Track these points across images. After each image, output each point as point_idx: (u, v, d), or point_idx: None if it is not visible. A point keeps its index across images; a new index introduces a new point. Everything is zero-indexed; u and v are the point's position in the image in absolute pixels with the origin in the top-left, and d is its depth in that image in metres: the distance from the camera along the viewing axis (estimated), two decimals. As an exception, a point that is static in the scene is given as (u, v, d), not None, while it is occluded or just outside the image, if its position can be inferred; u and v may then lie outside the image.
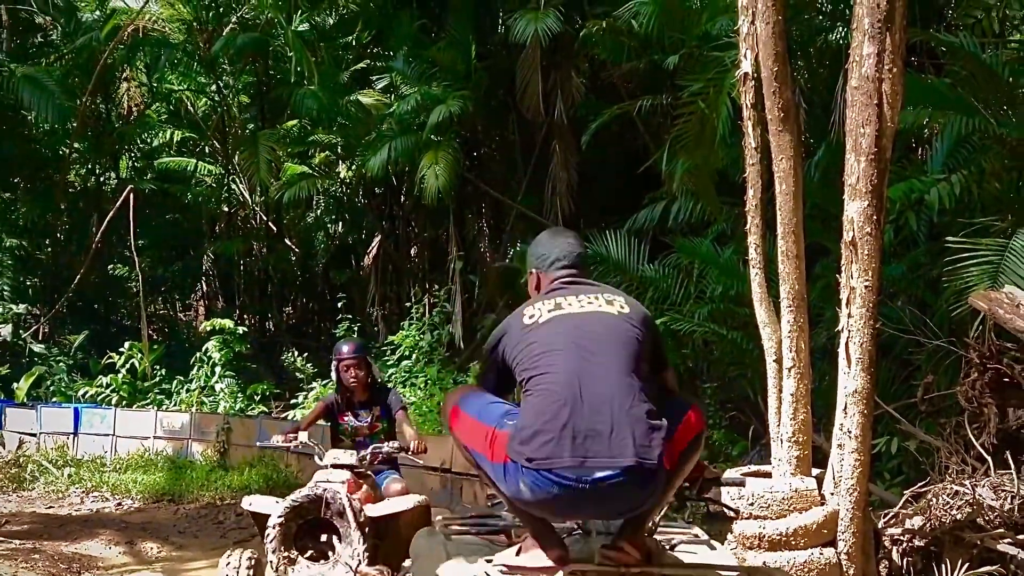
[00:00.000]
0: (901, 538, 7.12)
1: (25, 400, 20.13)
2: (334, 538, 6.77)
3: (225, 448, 17.07)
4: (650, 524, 4.00)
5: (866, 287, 6.26)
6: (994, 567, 6.74)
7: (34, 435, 18.29)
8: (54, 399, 20.57)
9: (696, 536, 4.56)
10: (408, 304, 21.40)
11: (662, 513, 4.19)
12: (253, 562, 6.83)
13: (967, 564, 6.67)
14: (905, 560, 7.05)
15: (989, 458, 7.59)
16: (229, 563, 6.79)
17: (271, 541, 6.65)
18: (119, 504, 15.00)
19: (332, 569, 6.62)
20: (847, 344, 6.32)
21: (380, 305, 23.42)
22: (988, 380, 7.94)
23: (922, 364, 10.61)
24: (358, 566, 6.46)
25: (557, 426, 3.62)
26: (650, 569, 3.79)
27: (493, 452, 3.77)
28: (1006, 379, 7.90)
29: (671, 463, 3.69)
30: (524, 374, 3.85)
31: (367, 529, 6.71)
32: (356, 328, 21.35)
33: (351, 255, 26.35)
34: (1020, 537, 6.92)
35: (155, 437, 18.12)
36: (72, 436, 18.31)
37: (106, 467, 17.04)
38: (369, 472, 7.52)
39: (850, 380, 6.31)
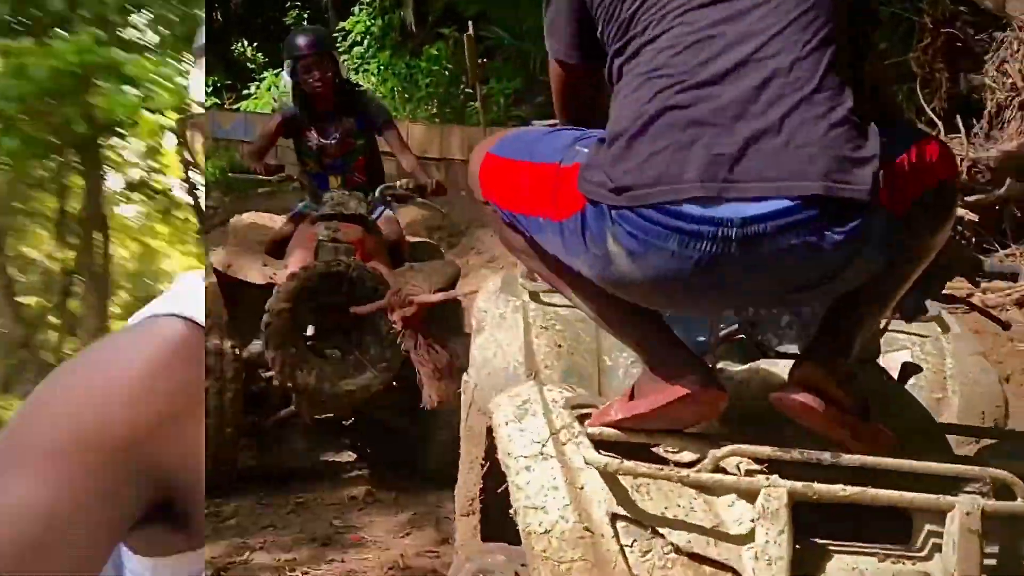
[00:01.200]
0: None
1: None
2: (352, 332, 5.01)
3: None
4: (863, 339, 1.97)
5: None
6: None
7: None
8: None
9: (937, 336, 2.87)
10: (358, -12, 20.88)
11: (886, 325, 2.40)
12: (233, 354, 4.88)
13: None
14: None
15: (940, 123, 7.67)
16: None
17: (272, 334, 4.77)
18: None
19: (360, 374, 4.88)
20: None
21: (329, -10, 22.81)
22: (940, 45, 7.96)
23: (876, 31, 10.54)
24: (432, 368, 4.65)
25: (676, 125, 1.73)
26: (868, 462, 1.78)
27: (558, 204, 1.88)
28: (958, 44, 7.92)
29: (898, 206, 1.76)
30: (618, 37, 1.91)
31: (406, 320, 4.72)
32: (306, 16, 20.91)
33: (296, -65, 25.46)
34: (968, 199, 7.09)
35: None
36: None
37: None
38: (376, 222, 5.60)
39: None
